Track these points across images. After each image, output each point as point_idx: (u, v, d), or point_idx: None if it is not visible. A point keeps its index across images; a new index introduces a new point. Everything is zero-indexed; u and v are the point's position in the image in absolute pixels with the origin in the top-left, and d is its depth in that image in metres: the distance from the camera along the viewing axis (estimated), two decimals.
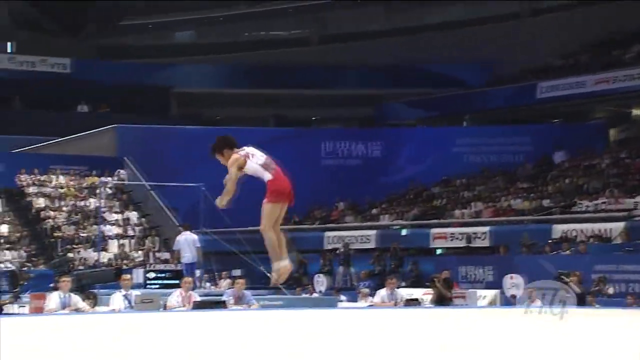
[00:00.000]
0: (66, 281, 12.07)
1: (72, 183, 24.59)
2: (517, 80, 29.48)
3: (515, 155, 27.22)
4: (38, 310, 12.64)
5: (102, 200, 22.60)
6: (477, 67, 31.87)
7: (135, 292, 12.74)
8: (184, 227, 18.39)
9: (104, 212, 22.34)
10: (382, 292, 13.82)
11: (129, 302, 12.24)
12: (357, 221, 25.43)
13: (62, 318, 10.10)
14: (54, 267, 15.85)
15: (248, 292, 13.40)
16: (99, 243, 20.90)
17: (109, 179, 24.82)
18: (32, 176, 24.27)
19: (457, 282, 18.64)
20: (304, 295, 18.81)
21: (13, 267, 16.95)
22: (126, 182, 25.15)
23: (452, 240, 22.08)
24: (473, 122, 31.25)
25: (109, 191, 24.55)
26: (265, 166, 7.13)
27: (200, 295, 13.67)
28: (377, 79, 32.79)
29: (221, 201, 7.02)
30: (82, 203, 23.76)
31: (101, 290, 14.84)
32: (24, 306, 14.02)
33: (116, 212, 23.71)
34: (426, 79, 32.04)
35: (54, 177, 24.60)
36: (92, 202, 23.57)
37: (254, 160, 7.09)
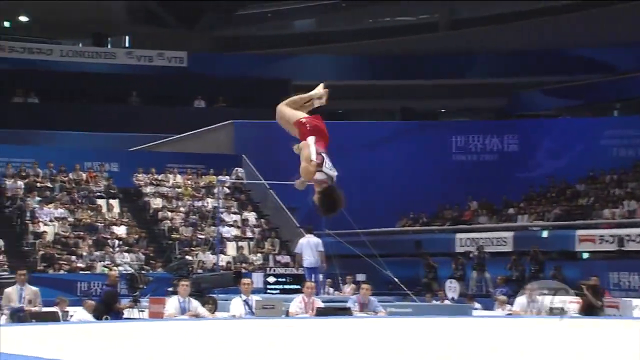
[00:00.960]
0: (185, 285, 12.44)
1: (188, 182, 25.38)
2: None
3: None
4: (157, 315, 13.14)
5: (220, 201, 23.20)
6: (630, 50, 30.64)
7: (256, 298, 13.01)
8: (307, 230, 18.66)
9: (221, 213, 22.93)
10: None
11: (250, 308, 12.51)
12: (492, 222, 25.08)
13: (182, 324, 10.48)
14: (172, 270, 16.39)
15: (374, 299, 13.44)
16: (217, 245, 21.47)
17: (227, 177, 25.46)
18: (148, 175, 25.20)
19: (607, 290, 18.08)
20: (434, 302, 18.73)
21: (132, 270, 17.69)
22: (244, 181, 25.73)
23: (601, 243, 21.47)
24: (624, 112, 30.10)
25: (227, 191, 25.19)
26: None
27: (323, 302, 13.83)
28: (513, 65, 32.12)
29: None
30: (199, 203, 24.48)
31: (220, 295, 15.27)
32: (143, 310, 14.61)
33: (234, 213, 24.31)
34: (568, 65, 31.11)
35: (170, 176, 25.46)
36: (210, 203, 24.24)
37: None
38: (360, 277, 19.66)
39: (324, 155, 6.27)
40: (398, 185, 27.07)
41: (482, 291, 21.20)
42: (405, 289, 18.40)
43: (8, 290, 13.30)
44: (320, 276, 18.07)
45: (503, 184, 26.69)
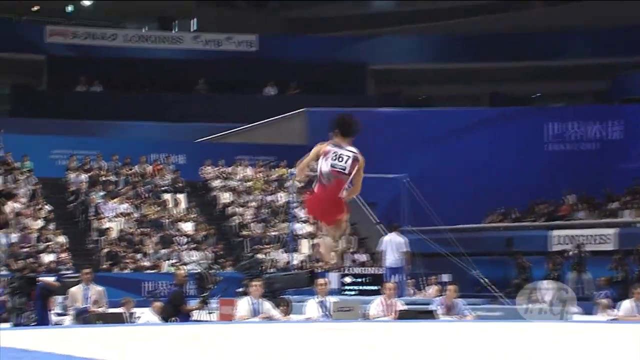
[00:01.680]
0: (257, 286, 12.60)
1: (259, 175, 25.61)
2: None
3: None
4: (227, 318, 13.34)
5: (293, 195, 23.35)
6: None
7: (332, 299, 13.09)
8: (392, 227, 18.66)
9: (294, 208, 23.10)
10: (627, 304, 13.37)
11: (326, 310, 12.61)
12: (592, 218, 24.72)
13: (253, 327, 10.61)
14: (242, 269, 16.61)
15: (460, 301, 13.40)
16: (291, 243, 21.64)
17: None
18: (217, 168, 25.51)
19: None
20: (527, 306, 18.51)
21: (200, 269, 17.98)
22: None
23: None
24: None
25: (300, 184, 25.34)
26: (323, 174, 7.61)
27: (405, 304, 13.84)
28: (616, 44, 31.46)
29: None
30: (271, 198, 24.69)
31: (294, 296, 15.41)
32: (212, 312, 14.84)
33: None
34: None
35: (240, 168, 25.72)
36: (282, 197, 24.42)
37: (324, 161, 7.66)
38: (446, 277, 19.60)
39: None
40: (486, 177, 26.81)
41: (581, 294, 20.88)
42: (495, 290, 18.25)
43: (73, 290, 13.65)
44: (400, 276, 18.06)
45: (605, 175, 26.26)
